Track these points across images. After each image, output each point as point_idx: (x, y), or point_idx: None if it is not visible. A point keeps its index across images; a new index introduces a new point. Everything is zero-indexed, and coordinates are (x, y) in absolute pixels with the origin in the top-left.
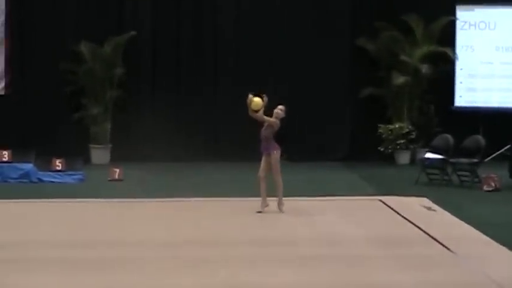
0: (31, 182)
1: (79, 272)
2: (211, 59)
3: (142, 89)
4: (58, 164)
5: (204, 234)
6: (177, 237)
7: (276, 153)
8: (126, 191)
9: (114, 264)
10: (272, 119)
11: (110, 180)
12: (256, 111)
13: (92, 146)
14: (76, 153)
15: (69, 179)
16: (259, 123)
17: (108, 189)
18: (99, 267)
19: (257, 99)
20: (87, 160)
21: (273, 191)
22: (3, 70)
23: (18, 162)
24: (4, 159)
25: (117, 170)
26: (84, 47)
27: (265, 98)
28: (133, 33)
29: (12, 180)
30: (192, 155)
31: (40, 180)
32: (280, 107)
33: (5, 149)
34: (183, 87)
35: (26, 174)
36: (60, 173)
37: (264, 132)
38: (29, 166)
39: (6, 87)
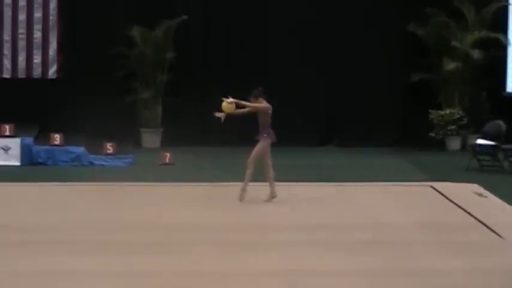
0: (82, 165)
1: (127, 254)
2: (263, 42)
3: (193, 73)
4: (109, 147)
5: (253, 219)
6: (226, 221)
7: (265, 141)
8: (176, 175)
9: (162, 247)
10: (262, 105)
11: (161, 164)
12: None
13: (142, 129)
14: (127, 137)
15: (119, 162)
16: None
17: (159, 173)
18: (148, 251)
19: (225, 104)
20: (138, 144)
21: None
22: (55, 54)
23: (69, 145)
24: (55, 143)
25: (168, 154)
26: (135, 31)
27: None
28: (184, 17)
29: (63, 163)
30: (242, 140)
31: (91, 163)
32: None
33: (56, 132)
34: (233, 72)
35: (77, 158)
36: (110, 156)
37: (260, 119)
38: (80, 149)
39: (57, 70)
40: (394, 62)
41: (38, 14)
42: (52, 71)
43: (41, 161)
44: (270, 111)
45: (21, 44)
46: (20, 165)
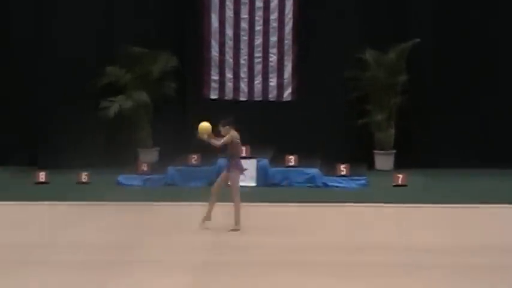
0: (316, 186)
1: (359, 277)
2: (491, 63)
3: (426, 95)
4: (343, 169)
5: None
6: (461, 243)
7: (235, 174)
8: (410, 197)
9: (400, 269)
10: (226, 138)
11: (394, 185)
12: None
13: (375, 151)
14: (360, 158)
15: (353, 184)
16: None
17: (392, 194)
18: (386, 273)
19: (203, 125)
20: (371, 166)
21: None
22: (290, 76)
23: (304, 166)
24: (291, 164)
25: (401, 176)
26: (368, 54)
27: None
28: (417, 40)
29: (298, 184)
30: (474, 161)
31: (325, 184)
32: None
33: (291, 154)
34: (466, 93)
35: (312, 179)
36: (344, 178)
37: (230, 151)
38: (314, 171)
39: (292, 93)
40: None
41: (273, 38)
42: (287, 93)
43: (276, 182)
44: (239, 141)
45: (257, 67)
46: (256, 186)
